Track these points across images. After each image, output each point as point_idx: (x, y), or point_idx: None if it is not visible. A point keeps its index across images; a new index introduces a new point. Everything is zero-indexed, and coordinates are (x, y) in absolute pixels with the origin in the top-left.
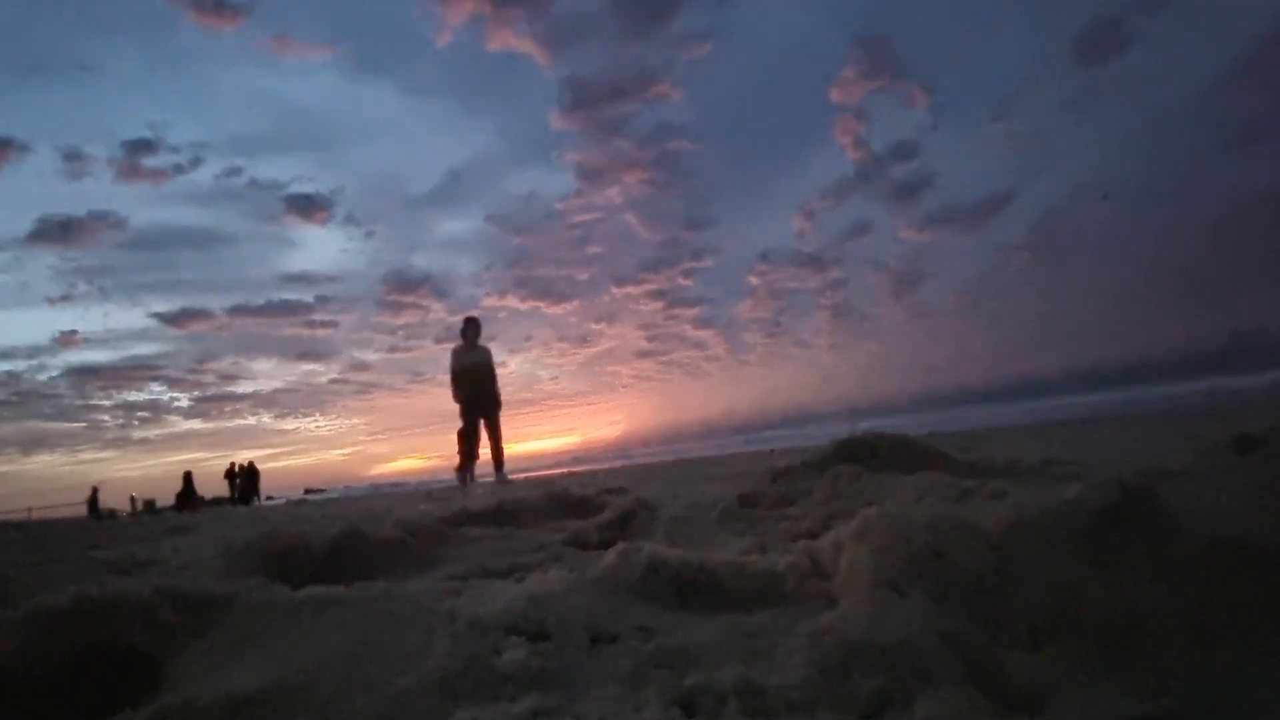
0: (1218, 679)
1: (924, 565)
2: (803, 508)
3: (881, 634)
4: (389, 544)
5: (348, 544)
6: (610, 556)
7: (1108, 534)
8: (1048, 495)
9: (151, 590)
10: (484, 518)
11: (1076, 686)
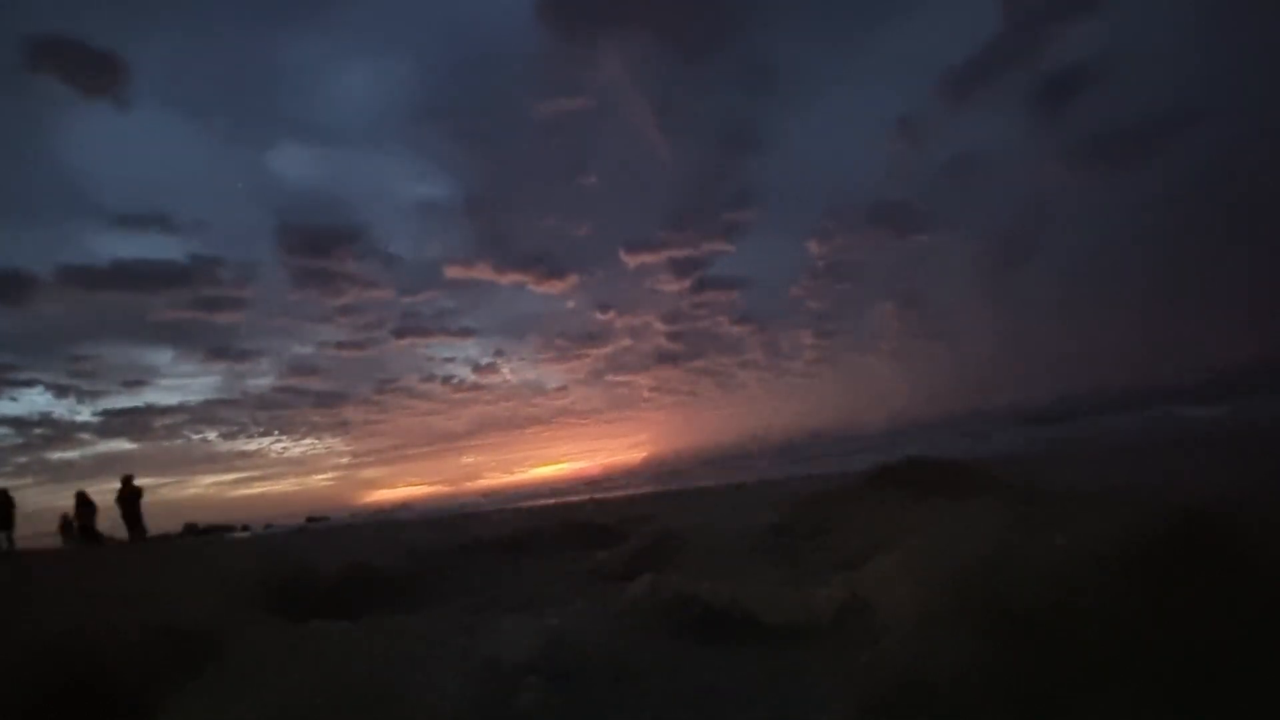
0: None
1: (974, 599)
2: (842, 537)
3: (928, 672)
4: (399, 575)
5: (355, 574)
6: (635, 589)
7: (1172, 565)
8: (1107, 523)
9: (141, 626)
10: (500, 547)
11: None
